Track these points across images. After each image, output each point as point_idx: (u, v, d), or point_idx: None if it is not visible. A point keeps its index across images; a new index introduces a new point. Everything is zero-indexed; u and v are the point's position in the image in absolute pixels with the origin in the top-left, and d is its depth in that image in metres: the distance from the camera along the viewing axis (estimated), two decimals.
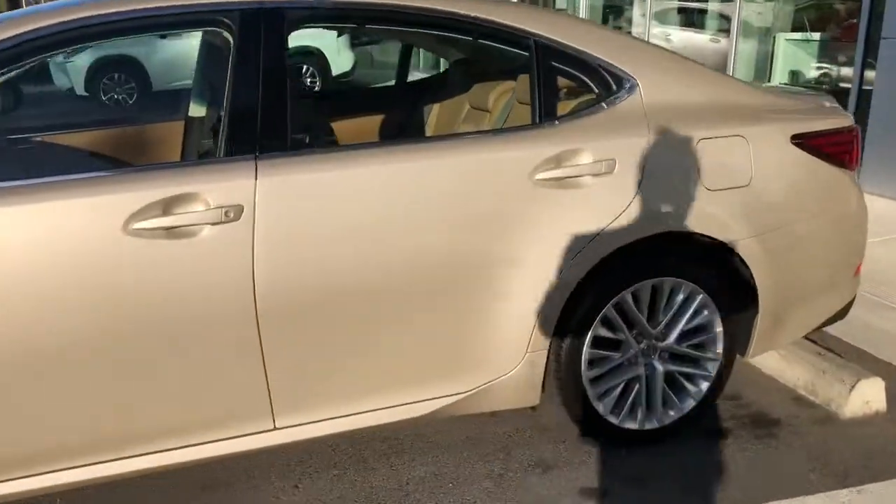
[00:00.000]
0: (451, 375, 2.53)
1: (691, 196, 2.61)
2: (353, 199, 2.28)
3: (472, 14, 2.52)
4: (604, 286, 2.60)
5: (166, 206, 2.13)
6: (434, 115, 3.49)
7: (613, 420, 2.76)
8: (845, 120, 2.92)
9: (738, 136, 2.69)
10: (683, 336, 2.81)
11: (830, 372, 3.11)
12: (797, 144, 2.78)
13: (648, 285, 2.67)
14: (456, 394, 2.55)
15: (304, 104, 2.60)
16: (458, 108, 3.53)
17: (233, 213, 2.18)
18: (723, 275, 2.76)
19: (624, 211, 2.54)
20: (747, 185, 2.69)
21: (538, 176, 2.45)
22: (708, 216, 2.63)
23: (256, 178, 2.21)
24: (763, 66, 8.32)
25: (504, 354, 2.55)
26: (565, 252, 2.50)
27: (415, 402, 2.51)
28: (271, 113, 2.27)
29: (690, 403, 2.84)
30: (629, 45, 2.69)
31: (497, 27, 2.54)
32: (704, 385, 2.85)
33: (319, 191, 2.25)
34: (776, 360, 3.36)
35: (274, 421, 2.38)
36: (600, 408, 2.73)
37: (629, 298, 2.66)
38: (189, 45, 12.34)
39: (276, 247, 2.21)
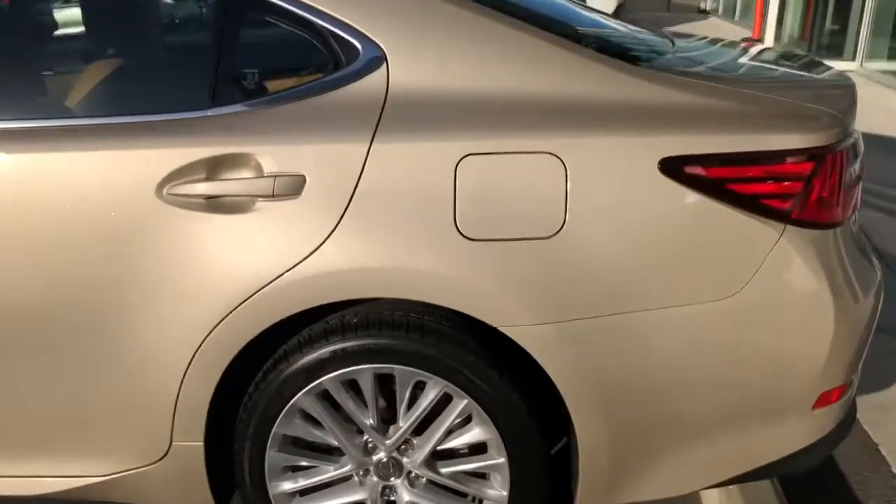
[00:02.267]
0: (75, 452, 1.82)
1: (433, 246, 1.59)
2: None
3: None
4: (289, 364, 1.70)
5: None
6: None
7: None
8: (811, 136, 1.62)
9: (545, 153, 1.58)
10: (442, 456, 1.80)
11: None
12: (671, 174, 1.58)
13: (369, 373, 1.71)
14: (84, 476, 1.85)
15: None
16: None
17: None
18: (507, 377, 1.70)
19: (307, 258, 1.61)
20: (551, 238, 1.58)
21: (172, 189, 1.62)
22: (458, 280, 1.60)
23: None
24: None
25: (139, 438, 1.78)
26: (213, 308, 1.65)
27: (21, 477, 1.86)
28: None
29: None
30: None
31: None
32: None
33: None
34: (720, 499, 2.13)
35: None
36: None
37: (337, 386, 1.73)
38: None
39: None
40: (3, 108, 1.69)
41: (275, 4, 1.66)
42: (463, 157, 1.58)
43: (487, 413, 1.70)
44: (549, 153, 1.58)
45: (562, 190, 1.58)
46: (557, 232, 1.58)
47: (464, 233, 1.58)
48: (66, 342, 1.70)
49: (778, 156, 1.60)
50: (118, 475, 1.83)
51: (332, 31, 1.66)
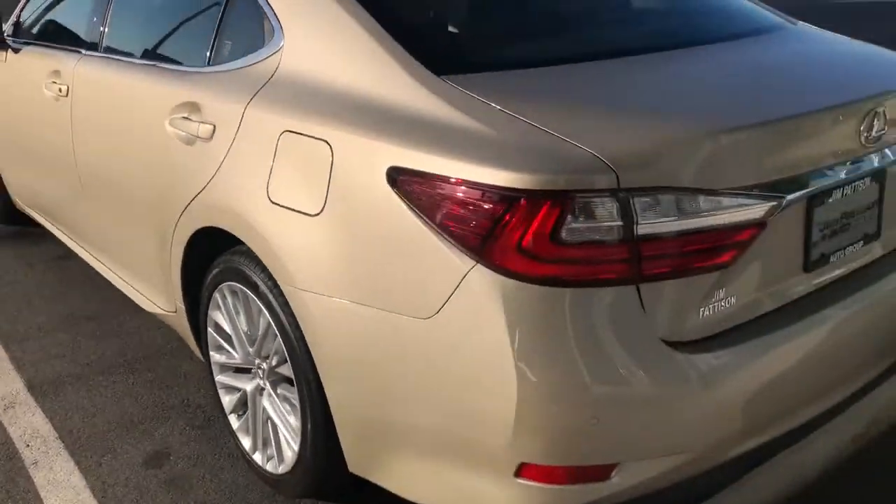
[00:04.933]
0: (157, 288, 2.67)
1: (253, 200, 1.94)
2: (102, 102, 2.69)
3: None
4: (211, 269, 2.24)
5: None
6: None
7: (234, 421, 2.37)
8: (516, 175, 1.44)
9: (322, 140, 1.77)
10: (280, 379, 2.12)
11: None
12: (391, 182, 1.61)
13: (238, 289, 2.13)
14: (157, 306, 2.68)
15: None
16: None
17: (65, 90, 2.90)
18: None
19: (203, 189, 2.13)
20: (315, 216, 1.78)
21: (171, 122, 2.27)
22: (259, 237, 1.91)
23: (76, 64, 2.85)
24: None
25: (165, 292, 2.54)
26: (172, 213, 2.30)
27: (144, 297, 2.76)
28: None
29: (285, 468, 2.15)
30: None
31: None
32: (288, 453, 2.11)
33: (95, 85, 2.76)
34: None
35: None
36: (225, 400, 2.39)
37: (232, 292, 2.20)
38: None
39: (82, 126, 2.83)
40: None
41: None
42: (282, 133, 1.86)
43: (291, 356, 1.97)
44: (325, 141, 1.75)
45: (325, 175, 1.75)
46: (318, 213, 1.76)
47: (270, 196, 1.88)
48: (127, 212, 2.55)
49: (474, 188, 1.48)
50: (168, 314, 2.62)
51: (266, 16, 2.07)
